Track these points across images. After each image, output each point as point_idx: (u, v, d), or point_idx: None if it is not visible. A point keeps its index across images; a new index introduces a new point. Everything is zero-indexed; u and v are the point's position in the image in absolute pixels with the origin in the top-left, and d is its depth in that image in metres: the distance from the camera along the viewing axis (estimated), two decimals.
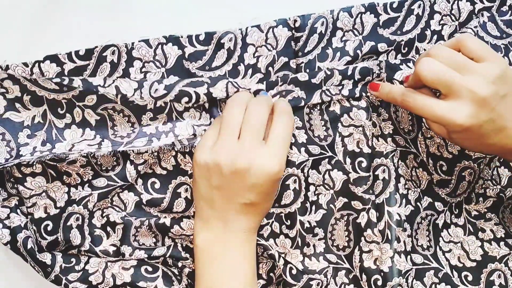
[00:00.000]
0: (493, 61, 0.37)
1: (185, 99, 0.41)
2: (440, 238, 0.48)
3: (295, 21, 0.43)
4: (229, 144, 0.39)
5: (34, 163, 0.41)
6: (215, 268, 0.40)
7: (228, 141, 0.39)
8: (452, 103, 0.37)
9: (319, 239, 0.46)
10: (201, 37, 0.43)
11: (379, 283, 0.44)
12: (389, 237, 0.44)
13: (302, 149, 0.45)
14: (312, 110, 0.45)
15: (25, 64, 0.41)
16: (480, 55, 0.37)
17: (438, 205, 0.47)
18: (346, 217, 0.46)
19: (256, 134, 0.39)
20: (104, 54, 0.42)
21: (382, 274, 0.44)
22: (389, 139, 0.45)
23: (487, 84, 0.36)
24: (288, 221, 0.45)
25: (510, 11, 0.48)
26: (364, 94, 0.44)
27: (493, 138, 0.37)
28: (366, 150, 0.44)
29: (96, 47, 0.42)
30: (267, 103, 0.41)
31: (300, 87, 0.43)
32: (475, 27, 0.45)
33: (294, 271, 0.45)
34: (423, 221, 0.47)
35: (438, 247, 0.47)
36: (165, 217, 0.45)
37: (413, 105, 0.39)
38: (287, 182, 0.45)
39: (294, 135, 0.44)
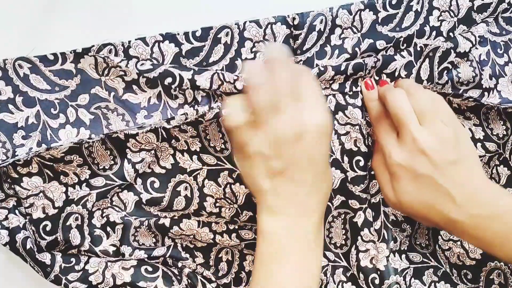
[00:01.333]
0: (452, 126, 0.36)
1: (169, 79, 0.39)
2: (439, 237, 0.45)
3: (294, 18, 0.41)
4: (273, 124, 0.33)
5: (30, 163, 0.39)
6: (287, 257, 0.34)
7: (270, 120, 0.33)
8: (396, 140, 0.37)
9: None
10: (198, 33, 0.40)
11: (377, 281, 0.43)
12: (386, 237, 0.43)
13: None
14: None
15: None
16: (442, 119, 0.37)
17: None
18: (343, 215, 0.44)
19: (297, 101, 0.34)
20: (102, 52, 0.39)
21: (378, 272, 0.43)
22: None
23: (433, 142, 0.35)
24: None
25: (510, 8, 0.45)
26: (354, 88, 0.42)
27: (428, 196, 0.36)
28: (364, 149, 0.42)
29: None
30: (287, 60, 0.36)
31: None
32: (480, 36, 0.43)
33: None
34: None
35: (437, 246, 0.45)
36: (165, 216, 0.43)
37: (373, 120, 0.40)
38: None
39: None
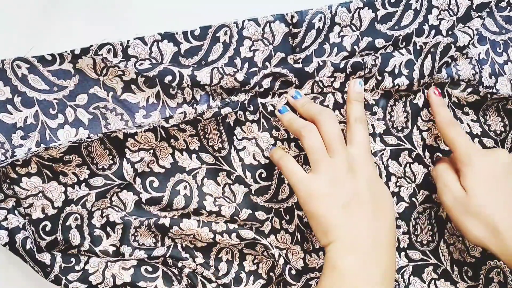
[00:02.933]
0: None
1: (169, 77, 0.38)
2: (445, 231, 0.44)
3: (293, 17, 0.40)
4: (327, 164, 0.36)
5: (29, 164, 0.38)
6: None
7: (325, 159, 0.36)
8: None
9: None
10: (196, 32, 0.39)
11: None
12: None
13: (292, 144, 0.42)
14: None
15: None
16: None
17: (436, 197, 0.44)
18: None
19: (340, 144, 0.36)
20: (100, 52, 0.38)
21: None
22: (378, 139, 0.42)
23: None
24: (287, 215, 0.42)
25: (508, 7, 0.44)
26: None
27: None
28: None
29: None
30: (333, 115, 0.38)
31: (294, 74, 0.39)
32: (477, 29, 0.41)
33: (293, 272, 0.42)
34: (420, 215, 0.43)
35: (442, 240, 0.44)
36: (165, 216, 0.41)
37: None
38: (282, 177, 0.42)
39: (287, 131, 0.41)
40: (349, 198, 0.35)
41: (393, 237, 0.36)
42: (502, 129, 0.43)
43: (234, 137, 0.41)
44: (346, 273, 0.33)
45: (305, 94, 0.40)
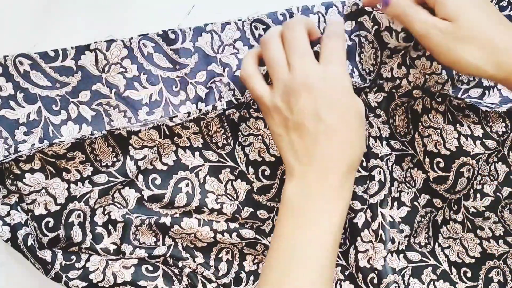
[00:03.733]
0: None
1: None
2: (439, 235, 0.44)
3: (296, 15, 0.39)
4: (283, 77, 0.32)
5: (33, 160, 0.38)
6: (301, 222, 0.31)
7: (281, 74, 0.32)
8: None
9: None
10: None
11: (375, 281, 0.41)
12: (383, 238, 0.41)
13: None
14: None
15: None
16: None
17: (437, 202, 0.43)
18: None
19: (305, 56, 0.32)
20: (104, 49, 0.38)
21: (376, 272, 0.41)
22: (384, 143, 0.41)
23: None
24: None
25: (509, 6, 0.43)
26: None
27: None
28: (364, 149, 0.40)
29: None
30: (302, 22, 0.33)
31: None
32: None
33: None
34: (423, 219, 0.43)
35: (437, 244, 0.44)
36: (166, 213, 0.41)
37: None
38: (284, 177, 0.40)
39: None
40: (296, 117, 0.31)
41: (351, 161, 0.32)
42: (504, 130, 0.42)
43: (239, 133, 0.40)
44: (290, 205, 0.32)
45: None
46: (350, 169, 0.32)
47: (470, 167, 0.42)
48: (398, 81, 0.40)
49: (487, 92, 0.41)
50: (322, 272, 0.30)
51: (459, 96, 0.41)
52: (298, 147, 0.32)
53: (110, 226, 0.40)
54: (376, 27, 0.38)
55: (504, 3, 0.43)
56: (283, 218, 0.32)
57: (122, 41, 0.38)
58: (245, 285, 0.42)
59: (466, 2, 0.33)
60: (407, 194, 0.43)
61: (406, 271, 0.42)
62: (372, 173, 0.41)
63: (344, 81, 0.32)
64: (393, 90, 0.41)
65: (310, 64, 0.32)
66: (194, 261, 0.41)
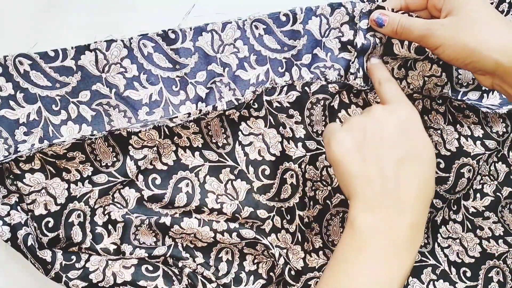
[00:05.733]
0: None
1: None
2: (439, 235, 0.43)
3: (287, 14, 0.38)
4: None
5: (33, 160, 0.37)
6: (368, 257, 0.29)
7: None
8: None
9: (315, 234, 0.42)
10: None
11: None
12: None
13: (300, 144, 0.40)
14: (314, 106, 0.39)
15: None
16: None
17: (437, 202, 0.43)
18: (341, 214, 0.42)
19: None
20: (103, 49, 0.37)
21: None
22: None
23: None
24: (288, 215, 0.41)
25: (510, 10, 0.42)
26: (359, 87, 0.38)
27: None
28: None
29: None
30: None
31: None
32: None
33: (293, 272, 0.40)
34: None
35: (436, 244, 0.43)
36: (166, 213, 0.40)
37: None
38: (284, 176, 0.40)
39: (292, 130, 0.39)
40: (370, 141, 0.30)
41: (426, 189, 0.30)
42: (504, 130, 0.42)
43: (240, 133, 0.40)
44: (363, 232, 0.29)
45: (313, 94, 0.39)
46: (421, 220, 0.30)
47: (471, 167, 0.41)
48: (398, 82, 0.39)
49: (485, 95, 0.41)
50: None
51: (458, 98, 0.40)
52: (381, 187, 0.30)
53: (110, 226, 0.40)
54: None
55: (505, 5, 0.42)
56: (347, 245, 0.30)
57: (122, 41, 0.37)
58: (245, 285, 0.41)
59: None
60: None
61: None
62: None
63: (417, 121, 0.31)
64: None
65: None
66: (194, 261, 0.40)
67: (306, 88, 0.39)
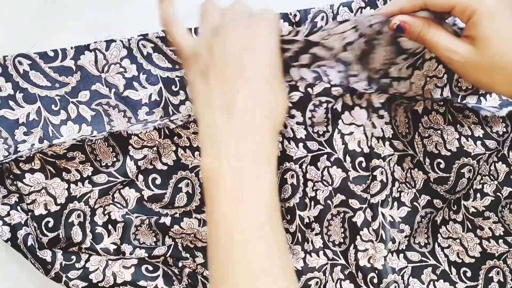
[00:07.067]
0: None
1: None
2: (439, 235, 0.43)
3: (295, 15, 0.38)
4: (211, 21, 0.29)
5: (33, 160, 0.37)
6: (230, 194, 0.26)
7: (209, 19, 0.29)
8: None
9: (316, 234, 0.41)
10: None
11: (375, 280, 0.40)
12: (383, 237, 0.40)
13: (301, 144, 0.39)
14: (317, 108, 0.39)
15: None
16: None
17: (437, 202, 0.42)
18: (342, 214, 0.41)
19: (242, 9, 0.29)
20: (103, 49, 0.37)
21: (376, 271, 0.40)
22: (387, 143, 0.40)
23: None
24: (288, 215, 0.41)
25: None
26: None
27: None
28: (366, 150, 0.40)
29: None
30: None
31: None
32: None
33: None
34: (423, 219, 0.42)
35: (436, 244, 0.43)
36: (166, 213, 0.40)
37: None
38: (285, 177, 0.40)
39: (293, 130, 0.39)
40: (217, 61, 0.27)
41: (275, 119, 0.28)
42: (504, 130, 0.41)
43: None
44: (208, 175, 0.27)
45: (316, 96, 0.38)
46: (273, 133, 0.28)
47: (471, 167, 0.41)
48: (402, 81, 0.38)
49: (482, 98, 0.40)
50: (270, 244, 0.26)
51: (458, 101, 0.40)
52: (217, 96, 0.27)
53: (110, 226, 0.39)
54: None
55: None
56: (210, 197, 0.27)
57: (121, 41, 0.37)
58: None
59: (499, 30, 0.29)
60: (407, 194, 0.42)
61: (406, 271, 0.41)
62: (374, 173, 0.40)
63: (271, 38, 0.28)
64: (397, 94, 0.39)
65: (243, 16, 0.29)
66: (194, 261, 0.40)
67: (309, 89, 0.38)
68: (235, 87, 0.27)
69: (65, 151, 0.37)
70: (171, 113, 0.38)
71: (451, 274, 0.42)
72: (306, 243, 0.41)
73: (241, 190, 0.26)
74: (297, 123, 0.39)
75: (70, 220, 0.38)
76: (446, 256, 0.43)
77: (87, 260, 0.38)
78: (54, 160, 0.37)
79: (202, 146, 0.28)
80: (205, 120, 0.28)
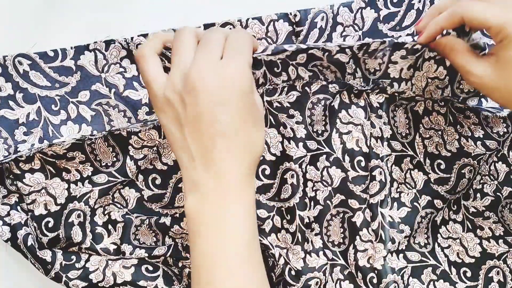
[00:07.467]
0: None
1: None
2: (439, 235, 0.43)
3: (295, 15, 0.38)
4: (184, 66, 0.29)
5: (33, 160, 0.37)
6: (211, 233, 0.29)
7: (182, 62, 0.29)
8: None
9: (315, 234, 0.41)
10: (201, 30, 0.37)
11: (374, 281, 0.40)
12: (383, 237, 0.40)
13: (300, 144, 0.39)
14: (315, 106, 0.39)
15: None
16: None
17: (438, 203, 0.42)
18: (341, 214, 0.41)
19: (213, 52, 0.29)
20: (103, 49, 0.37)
21: (376, 272, 0.40)
22: (385, 143, 0.40)
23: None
24: (288, 215, 0.40)
25: None
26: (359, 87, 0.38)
27: None
28: (365, 149, 0.39)
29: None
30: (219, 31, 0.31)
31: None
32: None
33: (293, 272, 0.40)
34: (423, 220, 0.42)
35: (436, 244, 0.43)
36: (166, 213, 0.40)
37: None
38: (285, 176, 0.40)
39: (293, 130, 0.39)
40: (191, 115, 0.28)
41: (250, 163, 0.29)
42: (505, 130, 0.41)
43: None
44: (192, 214, 0.29)
45: (313, 94, 0.38)
46: (251, 170, 0.30)
47: (472, 168, 0.41)
48: (403, 83, 0.38)
49: (483, 100, 0.40)
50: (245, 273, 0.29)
51: (459, 101, 0.40)
52: (194, 149, 0.29)
53: (110, 226, 0.39)
54: None
55: None
56: (192, 236, 0.30)
57: (121, 41, 0.37)
58: None
59: None
60: (407, 195, 0.42)
61: (405, 271, 0.41)
62: (373, 173, 0.40)
63: (243, 80, 0.28)
64: (396, 94, 0.39)
65: (213, 60, 0.28)
66: None
67: (306, 88, 0.38)
68: (210, 141, 0.28)
69: (65, 151, 0.36)
70: None
71: (451, 274, 0.42)
72: (306, 243, 0.41)
73: (221, 232, 0.29)
74: (297, 122, 0.39)
75: (70, 220, 0.38)
76: (446, 256, 0.42)
77: (87, 260, 0.38)
78: (54, 160, 0.37)
79: (184, 187, 0.30)
80: (183, 164, 0.30)
